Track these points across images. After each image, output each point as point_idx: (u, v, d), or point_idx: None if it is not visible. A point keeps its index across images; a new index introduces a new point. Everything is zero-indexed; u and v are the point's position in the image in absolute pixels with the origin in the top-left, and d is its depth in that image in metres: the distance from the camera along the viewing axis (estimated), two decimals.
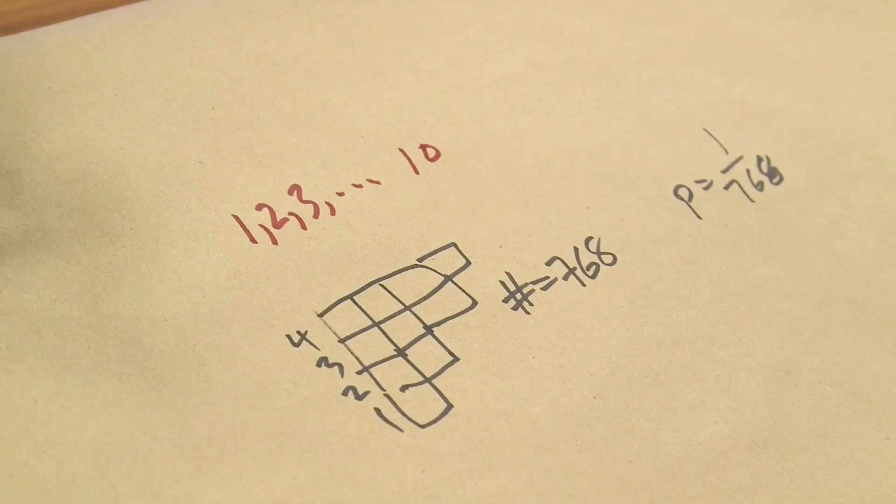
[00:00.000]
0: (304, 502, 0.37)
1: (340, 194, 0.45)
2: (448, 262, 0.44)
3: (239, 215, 0.43)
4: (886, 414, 0.43)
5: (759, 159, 0.50)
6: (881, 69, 0.54)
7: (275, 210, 0.44)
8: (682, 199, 0.48)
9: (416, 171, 0.46)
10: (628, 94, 0.51)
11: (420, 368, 0.41)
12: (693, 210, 0.47)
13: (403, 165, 0.46)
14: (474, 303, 0.43)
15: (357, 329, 0.41)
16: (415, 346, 0.41)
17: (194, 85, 0.47)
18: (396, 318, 0.42)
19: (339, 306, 0.42)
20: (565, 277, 0.44)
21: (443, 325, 0.42)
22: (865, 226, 0.48)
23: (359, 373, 0.40)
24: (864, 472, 0.41)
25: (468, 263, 0.44)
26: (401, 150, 0.47)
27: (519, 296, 0.43)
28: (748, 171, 0.49)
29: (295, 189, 0.44)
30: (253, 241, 0.43)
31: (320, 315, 0.41)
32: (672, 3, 0.55)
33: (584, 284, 0.44)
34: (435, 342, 0.41)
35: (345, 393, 0.40)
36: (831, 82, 0.54)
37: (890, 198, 0.49)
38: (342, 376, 0.40)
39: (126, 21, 0.48)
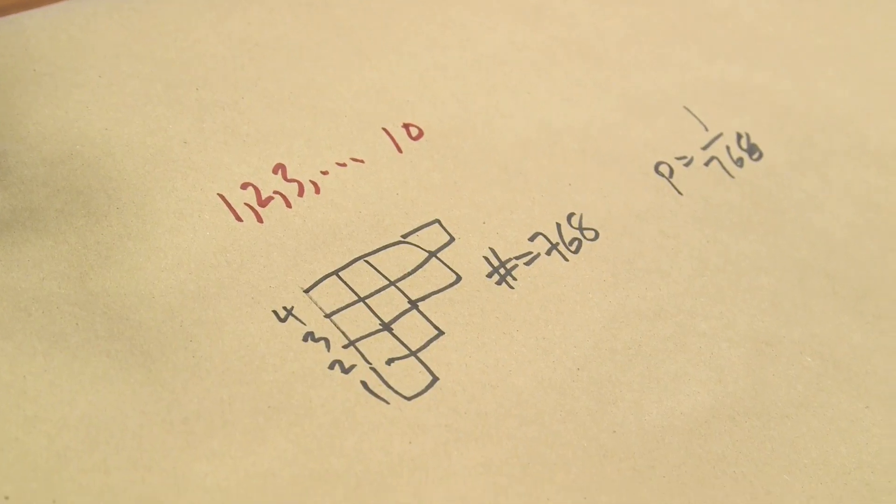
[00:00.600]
0: (291, 474, 0.37)
1: (325, 173, 0.45)
2: (432, 238, 0.44)
3: (224, 194, 0.43)
4: (865, 383, 0.43)
5: (739, 136, 0.50)
6: (859, 48, 0.55)
7: (260, 189, 0.44)
8: (662, 175, 0.48)
9: (400, 150, 0.46)
10: (609, 73, 0.51)
11: (405, 342, 0.41)
12: (674, 186, 0.48)
13: (387, 144, 0.46)
14: (458, 278, 0.43)
15: (343, 304, 0.41)
16: (400, 320, 0.41)
17: (178, 66, 0.47)
18: (382, 293, 0.42)
19: (324, 282, 0.42)
20: (548, 253, 0.45)
21: (428, 300, 0.42)
22: (844, 201, 0.49)
23: (345, 347, 0.40)
24: (844, 440, 0.41)
25: (452, 240, 0.44)
26: (384, 130, 0.47)
27: (502, 271, 0.44)
28: (728, 148, 0.50)
29: (279, 168, 0.44)
30: (238, 219, 0.43)
31: (306, 291, 0.41)
32: None
33: (566, 259, 0.45)
34: (420, 316, 0.42)
35: (331, 367, 0.40)
36: (810, 60, 0.54)
37: (868, 173, 0.50)
38: (328, 350, 0.40)
39: (110, 4, 0.48)
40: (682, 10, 0.54)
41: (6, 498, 0.35)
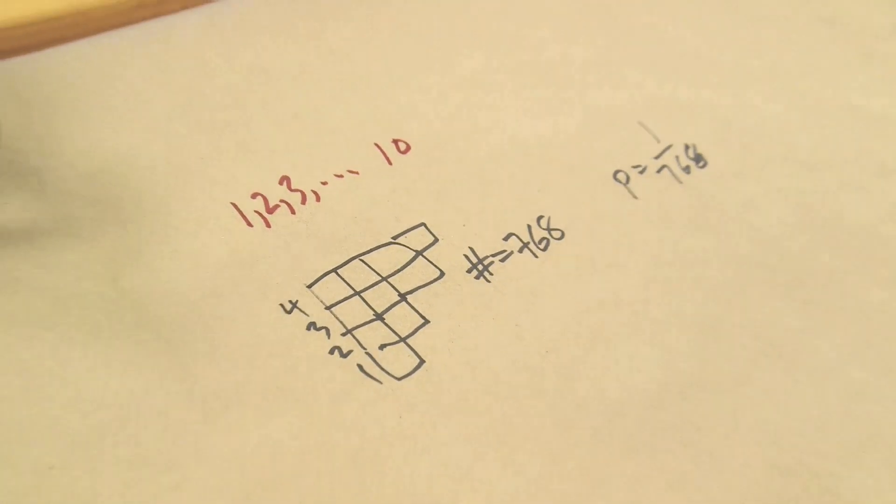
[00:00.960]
0: (297, 445, 0.38)
1: (324, 183, 0.46)
2: (419, 239, 0.45)
3: (236, 203, 0.44)
4: (796, 361, 0.44)
5: (687, 147, 0.51)
6: (789, 68, 0.55)
7: (267, 198, 0.45)
8: (620, 182, 0.49)
9: (390, 163, 0.47)
10: (572, 93, 0.52)
11: (396, 330, 0.42)
12: (630, 191, 0.49)
13: (379, 158, 0.47)
14: (442, 273, 0.44)
15: (341, 297, 0.42)
16: (391, 311, 0.42)
17: (194, 92, 0.47)
18: (375, 287, 0.43)
19: (325, 279, 0.43)
20: (520, 251, 0.45)
21: (415, 293, 0.43)
22: (777, 202, 0.49)
23: (343, 335, 0.41)
24: (778, 410, 0.42)
25: (436, 240, 0.45)
26: (376, 145, 0.47)
27: (480, 267, 0.44)
28: (677, 157, 0.50)
29: (285, 179, 0.45)
30: (249, 224, 0.44)
31: (309, 286, 0.42)
32: (609, 14, 0.55)
33: (536, 256, 0.45)
34: (408, 307, 0.42)
35: (331, 352, 0.41)
36: (747, 79, 0.55)
37: (798, 178, 0.50)
38: (328, 338, 0.41)
39: (135, 38, 0.49)
40: (636, 38, 0.55)
41: (50, 468, 0.35)
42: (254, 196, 0.44)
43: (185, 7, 0.51)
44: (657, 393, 0.42)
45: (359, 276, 0.43)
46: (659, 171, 0.49)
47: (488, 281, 0.44)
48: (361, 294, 0.42)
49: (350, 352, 0.40)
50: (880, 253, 0.48)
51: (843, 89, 0.55)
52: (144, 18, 0.50)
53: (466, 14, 0.53)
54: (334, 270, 0.43)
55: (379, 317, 0.42)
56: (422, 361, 0.41)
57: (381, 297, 0.42)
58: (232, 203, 0.44)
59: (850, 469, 0.41)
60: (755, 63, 0.55)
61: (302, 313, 0.41)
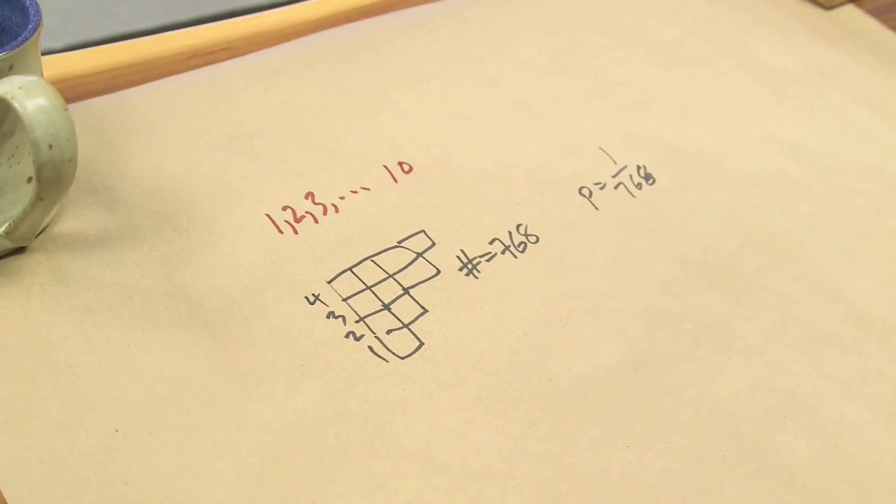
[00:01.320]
0: (318, 413, 0.37)
1: (342, 198, 0.45)
2: (419, 243, 0.44)
3: (270, 214, 0.43)
4: (729, 342, 0.43)
5: (639, 167, 0.50)
6: (720, 104, 0.55)
7: (295, 210, 0.44)
8: (584, 196, 0.48)
9: (396, 181, 0.46)
10: (545, 123, 0.51)
11: (400, 318, 0.41)
12: (592, 204, 0.48)
13: (387, 177, 0.46)
14: (438, 271, 0.43)
15: (355, 291, 0.41)
16: (396, 302, 0.41)
17: (237, 124, 0.47)
18: (383, 283, 0.42)
19: (342, 276, 0.42)
20: (503, 252, 0.44)
21: (416, 287, 0.42)
22: (712, 212, 0.48)
23: (356, 322, 0.40)
24: (714, 383, 0.41)
25: (434, 244, 0.44)
26: (384, 167, 0.47)
27: (470, 266, 0.43)
28: (631, 176, 0.49)
29: (310, 195, 0.44)
30: (280, 231, 0.43)
31: (329, 282, 0.41)
32: (576, 61, 0.55)
33: (516, 257, 0.44)
34: (411, 299, 0.41)
35: (346, 336, 0.40)
36: (687, 113, 0.54)
37: (728, 193, 0.50)
38: (345, 325, 0.40)
39: (190, 81, 0.49)
40: (596, 79, 0.54)
41: (116, 431, 0.35)
42: (284, 209, 0.43)
43: (230, 57, 0.50)
44: (616, 370, 0.41)
45: (370, 273, 0.42)
46: (616, 188, 0.48)
47: (476, 277, 0.43)
48: (372, 288, 0.41)
49: (362, 336, 0.39)
50: (795, 254, 0.47)
51: (763, 122, 0.54)
52: (197, 66, 0.50)
53: (457, 60, 0.53)
54: (350, 269, 0.42)
55: (386, 307, 0.40)
56: (421, 343, 0.40)
57: (388, 290, 0.41)
58: (266, 214, 0.43)
59: (773, 430, 0.40)
60: (693, 100, 0.54)
61: (323, 304, 0.40)
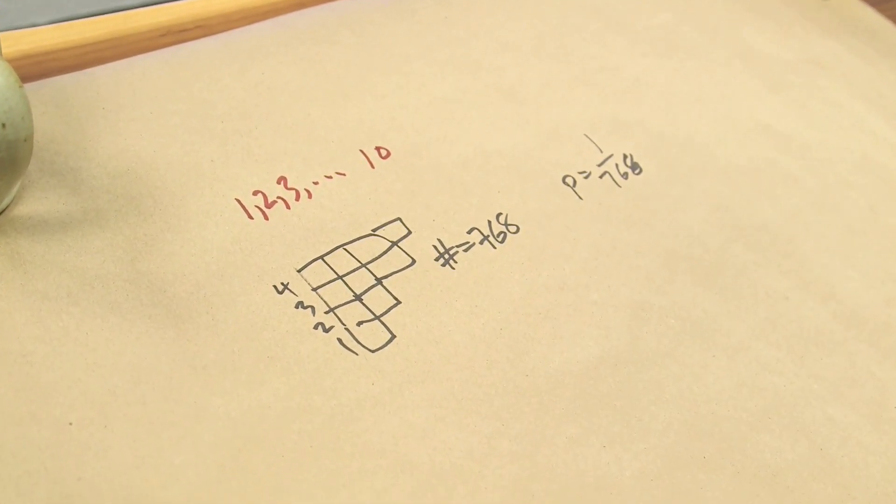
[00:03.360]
0: (283, 407, 0.35)
1: (316, 183, 0.43)
2: (394, 231, 0.42)
3: (240, 199, 0.42)
4: (713, 338, 0.42)
5: (625, 156, 0.49)
6: (711, 92, 0.53)
7: (266, 195, 0.42)
8: (568, 185, 0.46)
9: (373, 166, 0.45)
10: (529, 110, 0.49)
11: (372, 309, 0.39)
12: (576, 193, 0.46)
13: (363, 162, 0.45)
14: (413, 261, 0.42)
15: (326, 281, 0.40)
16: (368, 292, 0.40)
17: (209, 105, 0.45)
18: (355, 272, 0.41)
19: (312, 264, 0.40)
20: (481, 242, 0.43)
21: (390, 278, 0.41)
22: (701, 203, 0.47)
23: (326, 313, 0.39)
24: (696, 381, 0.40)
25: (409, 233, 0.42)
26: (361, 151, 0.45)
27: (447, 256, 0.42)
28: (617, 165, 0.48)
29: (282, 179, 0.43)
30: (250, 217, 0.41)
31: (299, 271, 0.40)
32: (562, 45, 0.53)
33: (494, 247, 0.43)
34: (383, 290, 0.40)
35: (315, 327, 0.38)
36: (676, 101, 0.52)
37: (717, 183, 0.49)
38: (314, 315, 0.39)
39: (161, 59, 0.47)
40: (583, 66, 0.53)
41: (70, 424, 0.34)
42: (255, 193, 0.42)
43: (204, 35, 0.49)
44: (594, 366, 0.39)
45: (342, 262, 0.40)
46: (601, 177, 0.47)
47: (453, 268, 0.41)
48: (343, 278, 0.40)
49: (332, 327, 0.38)
50: (784, 248, 0.46)
51: (755, 112, 0.53)
52: (170, 44, 0.49)
53: (439, 43, 0.51)
54: (321, 257, 0.40)
55: (358, 297, 0.39)
56: (393, 336, 0.39)
57: (361, 280, 0.40)
58: (236, 199, 0.41)
59: (757, 431, 0.39)
60: (682, 88, 0.53)
61: (291, 293, 0.39)
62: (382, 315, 0.39)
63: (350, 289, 0.40)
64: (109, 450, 0.33)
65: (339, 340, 0.38)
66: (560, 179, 0.47)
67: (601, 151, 0.49)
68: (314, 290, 0.39)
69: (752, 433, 0.39)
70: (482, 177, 0.46)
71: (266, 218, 0.41)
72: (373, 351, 0.38)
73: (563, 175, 0.47)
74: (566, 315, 0.41)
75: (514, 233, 0.44)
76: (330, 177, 0.44)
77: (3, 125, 0.32)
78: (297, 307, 0.39)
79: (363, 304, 0.39)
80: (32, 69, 0.46)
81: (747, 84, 0.55)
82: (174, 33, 0.49)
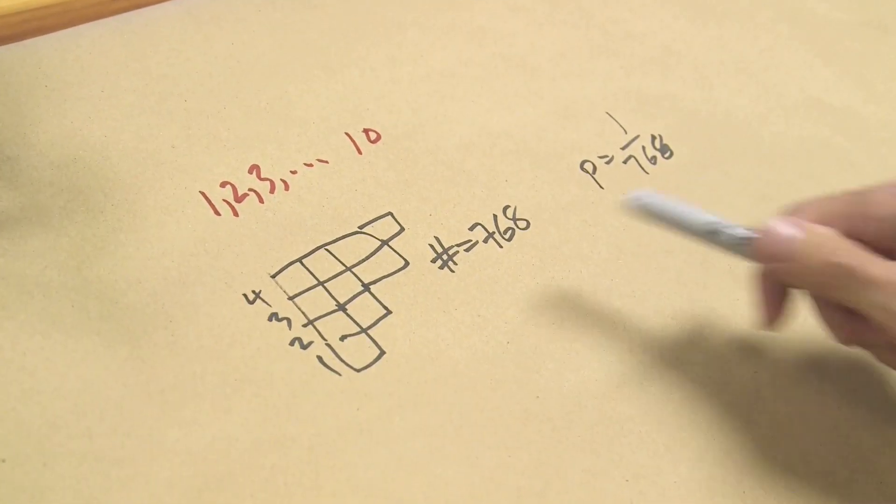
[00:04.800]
0: (253, 439, 0.34)
1: (294, 172, 0.42)
2: (385, 228, 0.41)
3: (205, 191, 0.41)
4: (756, 351, 0.40)
5: (653, 138, 0.48)
6: (754, 62, 0.52)
7: (236, 186, 0.41)
8: (586, 172, 0.45)
9: (360, 152, 0.44)
10: (542, 84, 0.48)
11: (357, 320, 0.38)
12: (596, 181, 0.45)
13: (349, 147, 0.44)
14: (406, 263, 0.40)
15: (304, 288, 0.39)
16: (354, 301, 0.39)
17: (169, 81, 0.44)
18: (339, 277, 0.40)
19: (289, 268, 0.39)
20: (485, 240, 0.42)
21: (379, 283, 0.40)
22: (741, 193, 0.46)
23: (304, 326, 0.38)
24: (735, 402, 0.38)
25: (402, 230, 0.41)
26: (346, 134, 0.44)
27: (445, 256, 0.41)
28: (643, 148, 0.47)
29: (254, 168, 0.42)
30: (217, 213, 0.40)
31: (273, 276, 0.39)
32: (580, 8, 0.52)
33: (501, 246, 0.42)
34: (371, 298, 0.39)
35: (291, 343, 0.37)
36: (713, 73, 0.51)
37: (761, 169, 0.47)
38: (290, 329, 0.37)
39: (113, 28, 0.46)
40: (605, 32, 0.51)
41: (3, 461, 0.33)
42: (223, 185, 0.41)
43: None
44: (617, 384, 0.38)
45: (323, 265, 0.39)
46: (625, 162, 0.46)
47: (452, 271, 0.40)
48: (325, 284, 0.39)
49: (310, 343, 0.37)
50: None
51: (805, 84, 0.52)
52: (124, 10, 0.47)
53: (440, 6, 0.50)
54: (299, 260, 0.39)
55: (341, 307, 0.38)
56: (382, 352, 0.38)
57: (345, 287, 0.39)
58: (201, 192, 0.41)
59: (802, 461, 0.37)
60: (720, 58, 0.51)
61: (264, 303, 0.38)
62: (370, 327, 0.38)
63: (332, 297, 0.39)
64: (48, 491, 0.32)
65: (320, 358, 0.37)
66: (578, 165, 0.46)
67: (625, 132, 0.48)
68: (290, 298, 0.38)
69: (802, 466, 0.37)
70: (487, 163, 0.44)
71: (235, 214, 0.40)
72: (358, 370, 0.37)
73: (581, 160, 0.46)
74: (584, 325, 0.40)
75: (524, 229, 0.43)
76: (310, 165, 0.43)
77: None
78: (270, 319, 0.38)
79: (347, 315, 0.38)
80: None
81: (796, 51, 0.54)
82: None
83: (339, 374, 0.37)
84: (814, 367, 0.40)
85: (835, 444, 0.38)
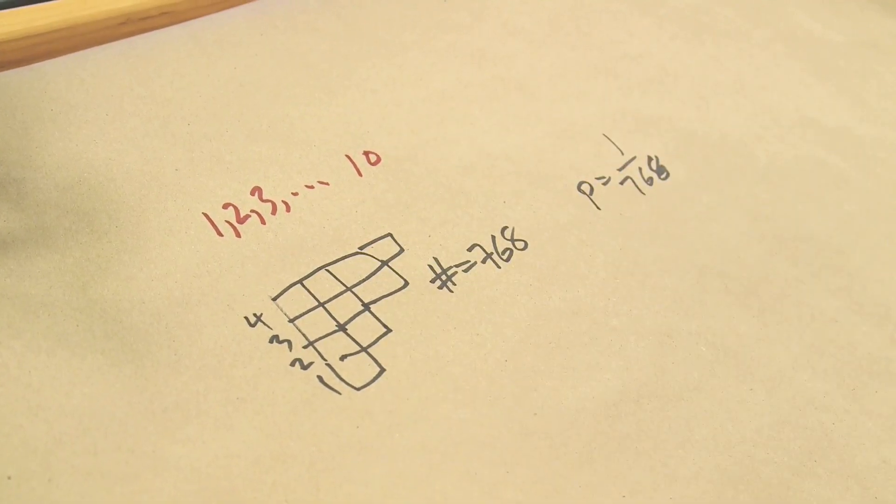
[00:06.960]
0: (254, 456, 0.35)
1: (295, 194, 0.43)
2: (385, 249, 0.42)
3: (208, 213, 0.41)
4: (750, 369, 0.41)
5: (650, 159, 0.48)
6: (751, 82, 0.53)
7: (239, 208, 0.42)
8: (584, 193, 0.46)
9: (360, 174, 0.44)
10: (540, 105, 0.49)
11: (357, 339, 0.39)
12: (593, 202, 0.46)
13: (349, 169, 0.44)
14: (406, 283, 0.41)
15: (305, 309, 0.39)
16: (354, 321, 0.40)
17: (173, 105, 0.45)
18: (339, 297, 0.40)
19: (290, 290, 0.40)
20: (483, 261, 0.43)
21: (379, 303, 0.40)
22: (737, 212, 0.47)
23: (304, 347, 0.38)
24: (731, 419, 0.39)
25: (402, 250, 0.42)
26: (347, 156, 0.45)
27: (444, 277, 0.42)
28: (640, 169, 0.48)
29: (256, 190, 0.42)
30: (219, 234, 0.41)
31: (274, 299, 0.39)
32: (578, 29, 0.53)
33: (499, 266, 0.43)
34: (371, 317, 0.40)
35: (292, 364, 0.38)
36: (710, 93, 0.52)
37: (757, 188, 0.48)
38: (290, 350, 0.38)
39: (118, 53, 0.46)
40: (602, 52, 0.52)
41: (8, 478, 0.33)
42: (225, 206, 0.41)
43: (170, 23, 0.49)
44: (614, 402, 0.39)
45: (323, 286, 0.40)
46: (622, 183, 0.47)
47: (451, 291, 0.41)
48: (325, 305, 0.39)
49: (311, 364, 0.38)
50: (834, 262, 0.45)
51: (800, 103, 0.53)
52: (130, 34, 0.48)
53: (439, 30, 0.50)
54: (300, 282, 0.40)
55: (342, 327, 0.39)
56: (382, 370, 0.38)
57: (345, 307, 0.40)
58: (204, 213, 0.41)
59: (801, 478, 0.38)
60: (716, 78, 0.52)
61: (265, 326, 0.38)
62: (370, 346, 0.39)
63: (333, 317, 0.39)
64: None
65: (320, 378, 0.38)
66: (575, 186, 0.46)
67: (622, 153, 0.48)
68: (291, 321, 0.39)
69: (795, 479, 0.38)
70: (485, 184, 0.45)
71: (238, 235, 0.41)
72: (358, 389, 0.38)
73: (578, 181, 0.47)
74: (581, 344, 0.41)
75: (522, 249, 0.43)
76: (311, 187, 0.43)
77: None
78: (271, 342, 0.38)
79: (348, 335, 0.39)
80: None
81: (791, 71, 0.55)
82: (135, 21, 0.49)
83: (340, 393, 0.37)
84: None
85: None
